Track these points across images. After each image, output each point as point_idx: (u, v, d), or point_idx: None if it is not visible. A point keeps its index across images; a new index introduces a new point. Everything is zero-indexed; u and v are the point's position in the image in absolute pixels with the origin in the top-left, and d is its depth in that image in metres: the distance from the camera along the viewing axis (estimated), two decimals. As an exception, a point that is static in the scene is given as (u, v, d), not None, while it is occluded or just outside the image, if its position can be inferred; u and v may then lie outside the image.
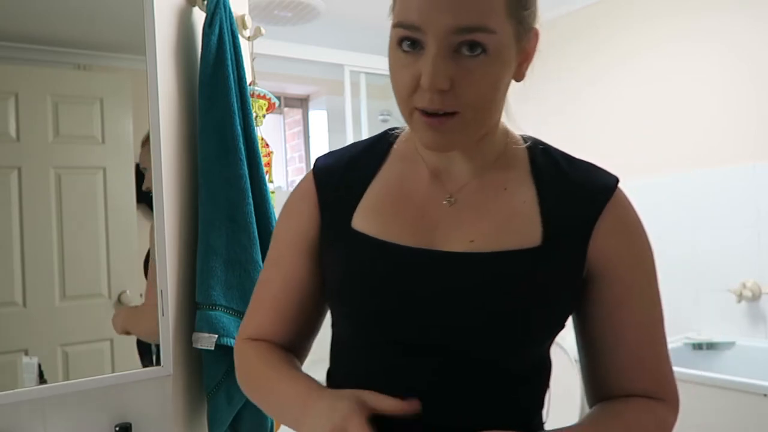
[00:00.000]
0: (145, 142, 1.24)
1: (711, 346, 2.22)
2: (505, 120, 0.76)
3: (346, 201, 0.75)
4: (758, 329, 2.21)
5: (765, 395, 1.65)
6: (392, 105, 3.30)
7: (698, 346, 2.22)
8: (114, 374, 1.18)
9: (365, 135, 3.37)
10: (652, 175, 2.54)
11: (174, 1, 1.32)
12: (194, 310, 1.28)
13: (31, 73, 1.17)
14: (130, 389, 1.20)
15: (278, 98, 1.61)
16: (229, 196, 1.29)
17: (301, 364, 0.84)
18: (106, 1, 1.23)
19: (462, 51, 0.62)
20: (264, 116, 1.54)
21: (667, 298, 2.73)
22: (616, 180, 0.73)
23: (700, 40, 2.39)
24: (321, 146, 3.79)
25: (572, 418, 2.51)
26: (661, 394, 0.72)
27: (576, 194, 0.71)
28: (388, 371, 0.70)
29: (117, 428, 1.15)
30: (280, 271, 0.80)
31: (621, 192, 0.73)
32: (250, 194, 1.32)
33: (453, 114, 0.64)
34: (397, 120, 3.71)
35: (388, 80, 0.70)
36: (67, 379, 1.14)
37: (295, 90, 3.85)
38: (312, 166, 0.81)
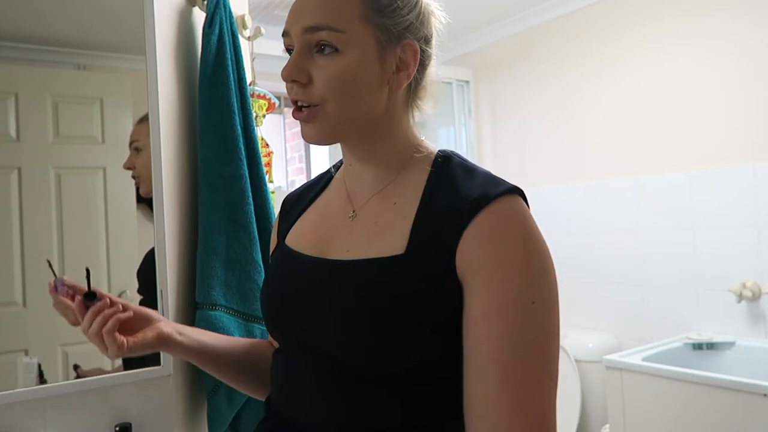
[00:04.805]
0: (142, 120, 1.25)
1: (711, 346, 2.22)
2: (421, 135, 0.81)
3: (288, 224, 0.89)
4: (758, 329, 2.21)
5: (765, 395, 1.65)
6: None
7: (698, 346, 2.22)
8: (114, 374, 1.18)
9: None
10: (653, 175, 2.54)
11: (174, 1, 1.32)
12: (194, 310, 1.28)
13: (31, 73, 1.17)
14: (130, 389, 1.20)
15: (278, 98, 1.61)
16: (229, 196, 1.29)
17: None
18: (106, 1, 1.23)
19: (318, 50, 0.72)
20: (264, 116, 1.54)
21: (667, 298, 2.72)
22: (503, 190, 0.69)
23: (700, 40, 2.39)
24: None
25: (572, 417, 2.51)
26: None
27: (454, 205, 0.70)
28: (281, 366, 0.81)
29: (117, 428, 1.15)
30: None
31: (502, 203, 0.68)
32: (250, 194, 1.32)
33: (315, 106, 0.73)
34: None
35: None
36: (67, 379, 1.14)
37: (295, 90, 3.83)
38: None
